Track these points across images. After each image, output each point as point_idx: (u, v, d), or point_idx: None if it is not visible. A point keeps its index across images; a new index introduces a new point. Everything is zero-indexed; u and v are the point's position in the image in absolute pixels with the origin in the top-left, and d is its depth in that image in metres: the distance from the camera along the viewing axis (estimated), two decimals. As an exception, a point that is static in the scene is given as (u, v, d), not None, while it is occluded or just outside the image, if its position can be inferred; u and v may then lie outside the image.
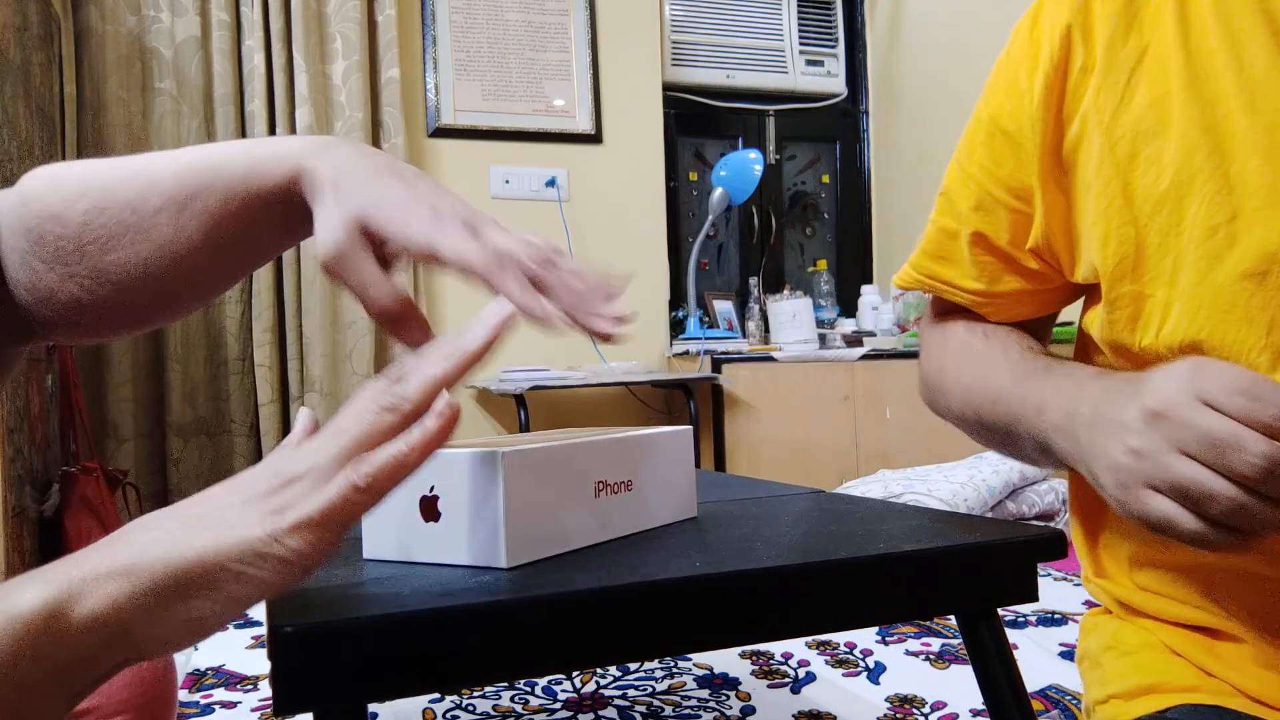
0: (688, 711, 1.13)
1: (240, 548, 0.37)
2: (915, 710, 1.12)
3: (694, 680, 1.24)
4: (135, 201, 0.50)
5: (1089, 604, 1.57)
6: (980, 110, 0.69)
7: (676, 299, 3.27)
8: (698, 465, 2.99)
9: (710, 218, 3.09)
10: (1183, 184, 0.56)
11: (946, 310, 0.74)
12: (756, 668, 1.28)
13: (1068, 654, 1.37)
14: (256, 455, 2.69)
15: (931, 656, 1.30)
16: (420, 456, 0.40)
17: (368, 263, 0.47)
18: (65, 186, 0.51)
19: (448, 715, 1.14)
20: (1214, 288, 0.54)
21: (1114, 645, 0.64)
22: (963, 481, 2.16)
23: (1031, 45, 0.65)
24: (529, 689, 1.21)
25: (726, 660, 1.31)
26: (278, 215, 0.51)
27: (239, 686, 1.26)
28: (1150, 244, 0.57)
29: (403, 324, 0.48)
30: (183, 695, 1.23)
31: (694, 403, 2.77)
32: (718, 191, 3.06)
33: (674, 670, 1.28)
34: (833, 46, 3.55)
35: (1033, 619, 1.45)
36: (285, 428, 2.67)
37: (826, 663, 1.29)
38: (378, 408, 0.41)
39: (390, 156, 0.51)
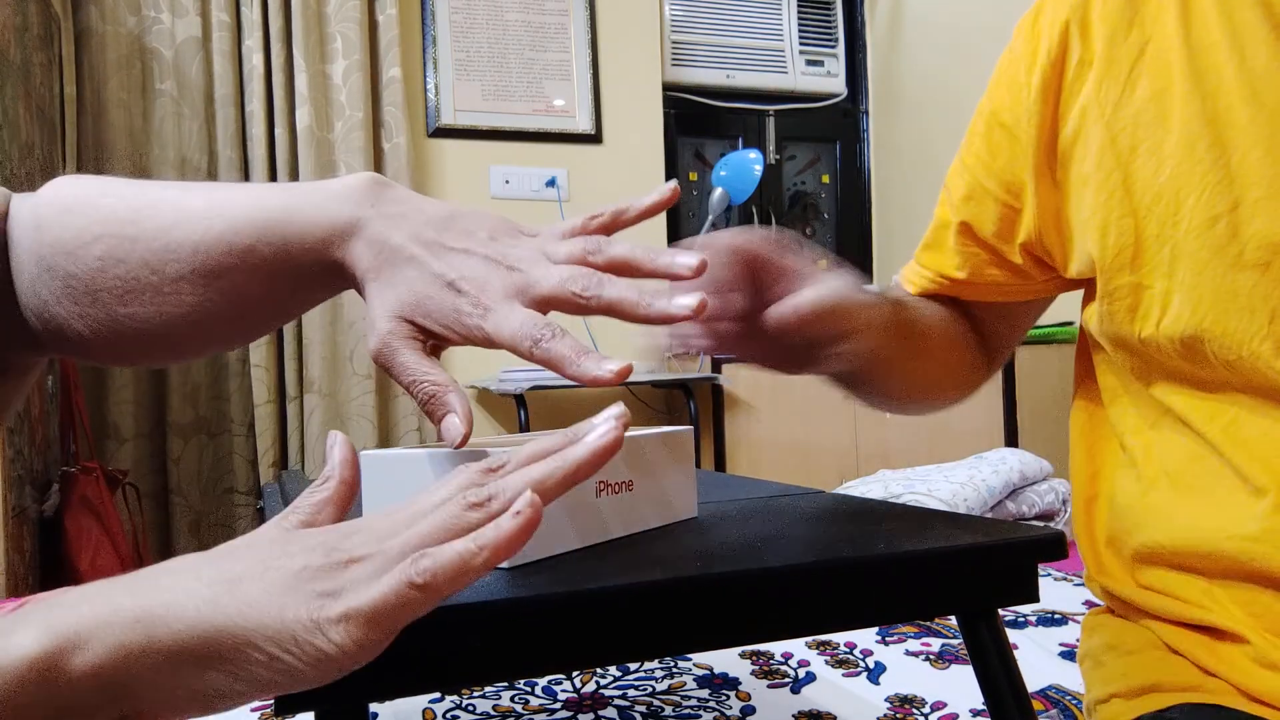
0: (688, 711, 1.13)
1: (277, 628, 0.32)
2: (915, 710, 1.12)
3: (694, 680, 1.24)
4: (155, 263, 0.48)
5: (1089, 604, 1.57)
6: (982, 105, 0.70)
7: (676, 299, 3.27)
8: (698, 465, 2.99)
9: (710, 218, 3.09)
10: (1182, 175, 0.56)
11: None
12: (756, 668, 1.28)
13: (1068, 654, 1.37)
14: (257, 455, 2.69)
15: (931, 656, 1.30)
16: (490, 560, 0.35)
17: (410, 355, 0.48)
18: (77, 219, 0.48)
19: (448, 715, 1.14)
20: (1215, 278, 0.55)
21: (1116, 645, 0.64)
22: (963, 481, 2.16)
23: (1031, 41, 0.66)
24: (529, 689, 1.21)
25: (726, 660, 1.31)
26: (311, 285, 0.50)
27: (239, 686, 1.26)
28: (1149, 235, 0.58)
29: (444, 410, 0.48)
30: (183, 695, 1.23)
31: (694, 403, 2.77)
32: (718, 191, 3.06)
33: (674, 670, 1.28)
34: (833, 46, 3.55)
35: (1033, 619, 1.45)
36: (283, 428, 2.67)
37: (826, 663, 1.29)
38: (465, 504, 0.37)
39: (417, 205, 0.49)
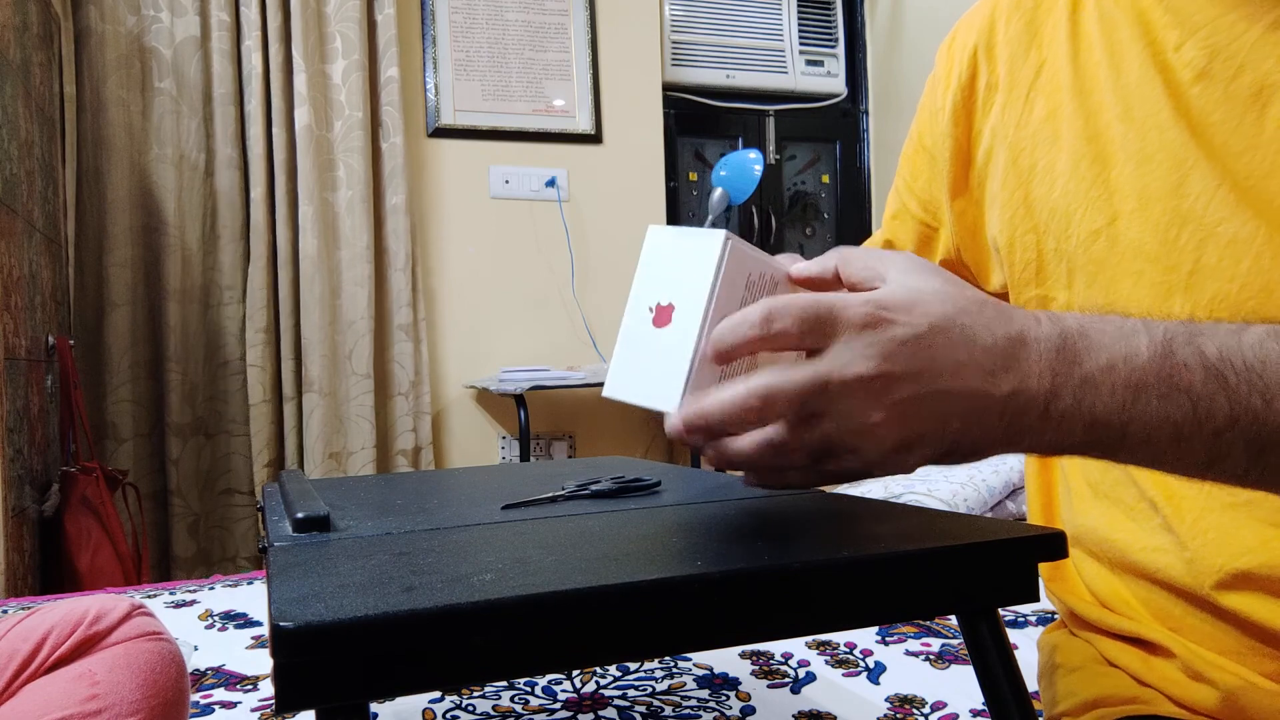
0: (688, 711, 1.13)
1: None
2: (915, 710, 1.12)
3: (694, 680, 1.24)
4: None
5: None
6: (913, 127, 0.74)
7: (676, 299, 3.27)
8: (697, 465, 2.98)
9: (710, 218, 3.09)
10: (1070, 192, 0.59)
11: None
12: (756, 668, 1.28)
13: (1067, 654, 1.37)
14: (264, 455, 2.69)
15: (931, 656, 1.30)
16: None
17: None
18: None
19: (448, 715, 1.14)
20: (1103, 288, 0.57)
21: (1062, 663, 0.66)
22: (963, 481, 2.16)
23: (947, 65, 0.69)
24: (529, 689, 1.21)
25: (726, 660, 1.31)
26: None
27: (239, 686, 1.26)
28: (1048, 250, 0.61)
29: None
30: (183, 695, 1.22)
31: (694, 403, 2.76)
32: (718, 191, 3.06)
33: (674, 670, 1.27)
34: (833, 46, 3.55)
35: (1033, 619, 1.45)
36: (280, 429, 2.67)
37: (826, 663, 1.29)
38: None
39: None
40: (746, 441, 0.46)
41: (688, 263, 0.51)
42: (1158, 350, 0.42)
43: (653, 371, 0.51)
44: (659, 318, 0.51)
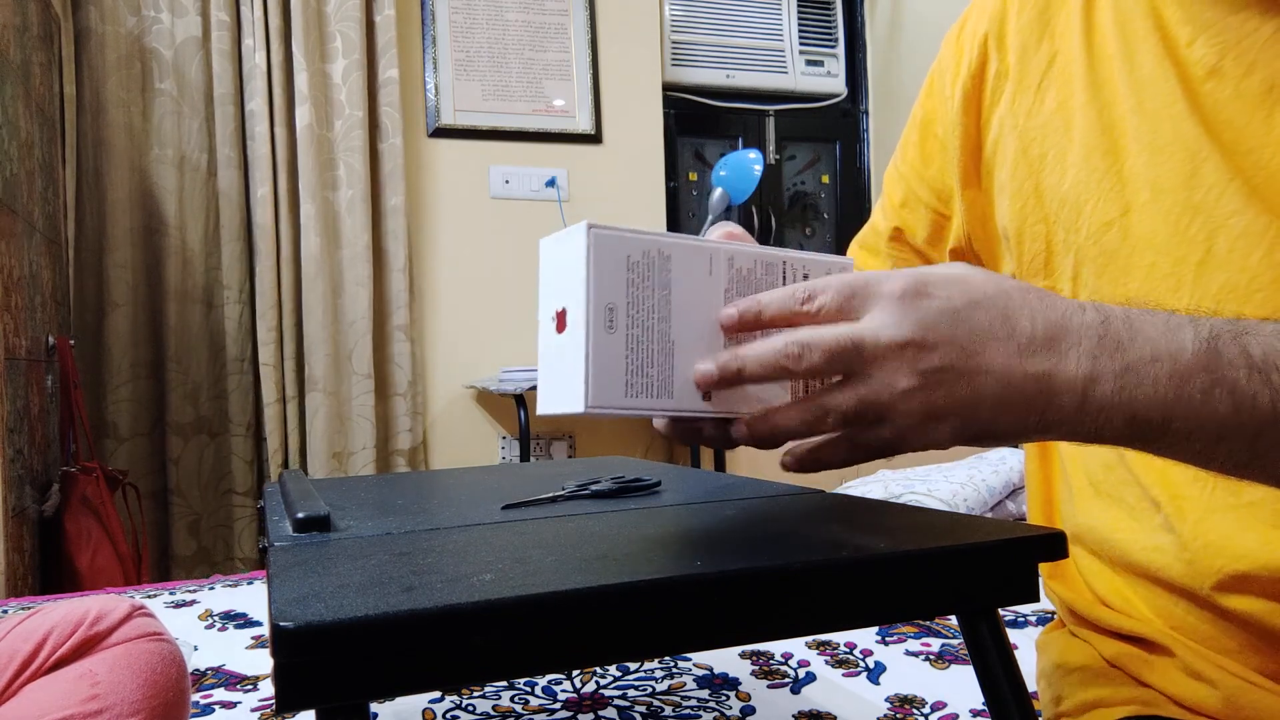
0: (688, 711, 1.13)
1: None
2: (915, 710, 1.11)
3: (694, 680, 1.23)
4: None
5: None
6: (915, 113, 0.73)
7: (676, 299, 3.27)
8: (697, 465, 2.99)
9: (710, 218, 3.09)
10: (1081, 182, 0.59)
11: None
12: (756, 668, 1.28)
13: (1068, 654, 1.36)
14: (256, 455, 2.69)
15: (931, 656, 1.30)
16: None
17: None
18: None
19: (448, 715, 1.14)
20: (1112, 281, 0.57)
21: (1062, 663, 0.66)
22: (963, 481, 2.16)
23: (955, 53, 0.69)
24: (529, 689, 1.21)
25: (726, 660, 1.31)
26: None
27: (239, 686, 1.26)
28: (1056, 241, 0.61)
29: None
30: (183, 695, 1.22)
31: (694, 403, 2.76)
32: (717, 191, 3.06)
33: (674, 670, 1.27)
34: (833, 46, 3.55)
35: (1033, 619, 1.45)
36: (285, 427, 2.67)
37: (826, 663, 1.29)
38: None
39: None
40: (786, 407, 0.47)
41: (566, 263, 0.51)
42: (1202, 346, 0.42)
43: (563, 376, 0.51)
44: (559, 324, 0.51)
